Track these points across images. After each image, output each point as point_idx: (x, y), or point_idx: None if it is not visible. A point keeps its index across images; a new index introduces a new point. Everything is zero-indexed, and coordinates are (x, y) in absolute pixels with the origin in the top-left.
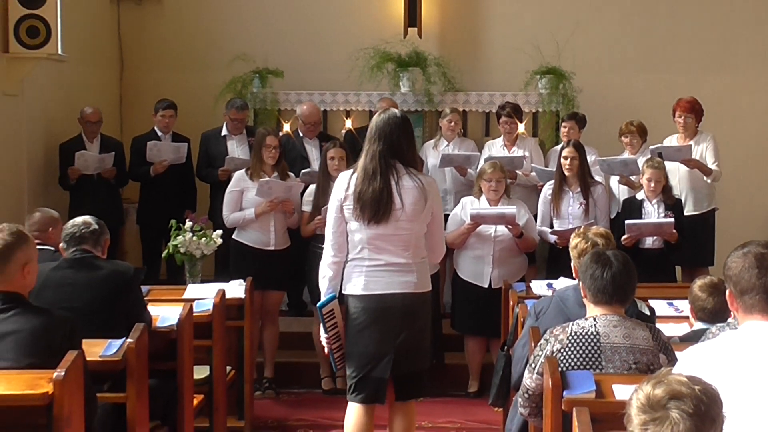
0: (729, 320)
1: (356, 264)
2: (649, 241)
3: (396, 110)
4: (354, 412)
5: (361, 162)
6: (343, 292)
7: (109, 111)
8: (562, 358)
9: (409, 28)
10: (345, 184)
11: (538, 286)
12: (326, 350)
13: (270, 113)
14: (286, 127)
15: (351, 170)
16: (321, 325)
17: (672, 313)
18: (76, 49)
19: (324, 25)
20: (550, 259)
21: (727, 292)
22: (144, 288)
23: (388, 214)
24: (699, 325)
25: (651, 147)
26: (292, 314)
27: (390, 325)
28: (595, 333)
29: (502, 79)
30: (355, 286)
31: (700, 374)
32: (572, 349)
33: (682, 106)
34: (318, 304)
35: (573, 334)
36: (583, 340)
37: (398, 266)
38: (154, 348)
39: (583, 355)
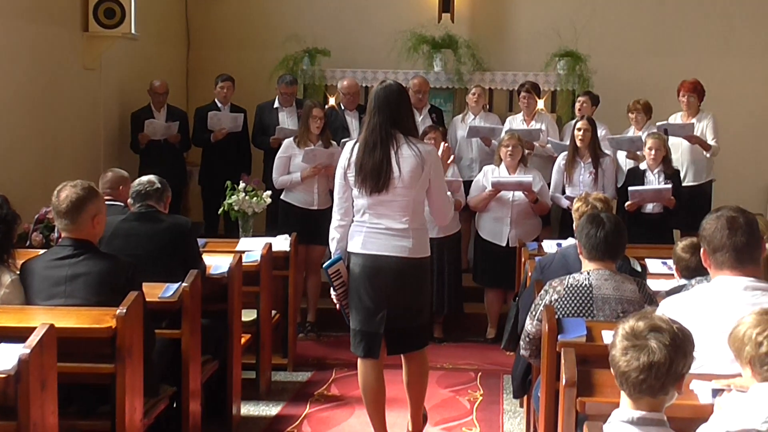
0: (708, 276)
1: (358, 225)
2: (650, 207)
3: (393, 82)
4: (360, 365)
5: (362, 134)
6: (347, 249)
7: (177, 84)
8: (558, 306)
9: (443, 14)
10: (348, 153)
11: (549, 245)
12: (338, 307)
13: (318, 88)
14: (332, 101)
15: (354, 140)
16: (330, 284)
17: (665, 271)
18: (147, 29)
19: (367, 10)
20: (563, 221)
21: (702, 250)
22: (202, 240)
23: (388, 183)
24: (683, 281)
25: (657, 124)
26: None
27: (382, 284)
28: (588, 285)
29: (525, 61)
30: (355, 244)
31: (677, 320)
32: (568, 298)
33: (685, 86)
34: (324, 265)
35: (569, 286)
36: (578, 291)
37: (396, 231)
38: (208, 292)
39: (578, 304)
